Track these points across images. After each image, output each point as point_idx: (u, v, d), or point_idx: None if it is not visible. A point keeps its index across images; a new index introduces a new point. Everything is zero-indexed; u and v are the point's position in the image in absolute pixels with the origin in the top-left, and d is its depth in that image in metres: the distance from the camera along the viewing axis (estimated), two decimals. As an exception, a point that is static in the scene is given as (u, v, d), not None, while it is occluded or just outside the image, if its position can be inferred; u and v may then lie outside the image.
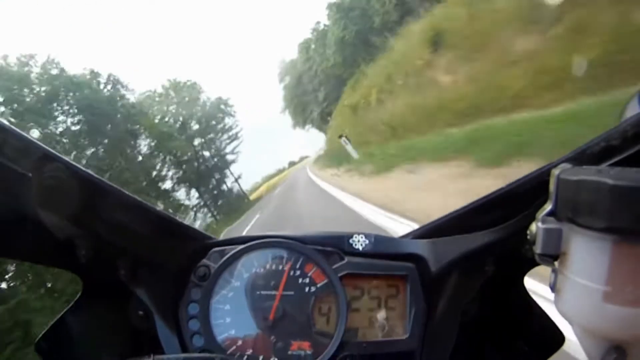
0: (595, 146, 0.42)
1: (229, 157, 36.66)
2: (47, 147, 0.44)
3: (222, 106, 36.30)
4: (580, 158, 0.43)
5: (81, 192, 0.47)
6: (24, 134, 0.42)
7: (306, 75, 32.51)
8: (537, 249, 0.40)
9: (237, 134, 37.19)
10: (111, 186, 0.50)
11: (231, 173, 37.17)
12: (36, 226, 0.48)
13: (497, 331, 0.60)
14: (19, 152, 0.42)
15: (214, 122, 35.42)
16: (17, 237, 0.51)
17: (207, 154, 34.85)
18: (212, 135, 35.29)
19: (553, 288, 0.40)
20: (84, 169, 0.48)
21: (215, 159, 35.47)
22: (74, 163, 0.46)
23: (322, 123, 33.72)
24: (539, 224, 0.41)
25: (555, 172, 0.41)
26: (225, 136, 36.57)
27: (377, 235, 0.62)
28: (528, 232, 0.44)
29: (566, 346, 0.56)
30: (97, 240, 0.51)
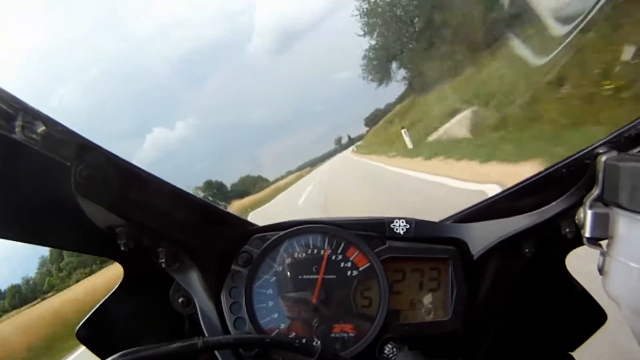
0: (632, 130, 0.42)
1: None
2: (86, 138, 0.44)
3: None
4: (617, 142, 0.43)
5: (120, 181, 0.47)
6: (64, 124, 0.42)
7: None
8: (586, 232, 0.41)
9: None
10: (151, 175, 0.49)
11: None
12: (77, 215, 0.47)
13: (540, 311, 0.60)
14: (57, 141, 0.42)
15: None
16: (58, 226, 0.51)
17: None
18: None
19: (601, 270, 0.40)
20: (123, 158, 0.47)
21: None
22: (113, 153, 0.46)
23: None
24: (587, 209, 0.41)
25: (602, 158, 0.41)
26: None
27: (418, 220, 0.61)
28: (576, 217, 0.45)
29: (609, 325, 0.57)
30: (137, 229, 0.51)
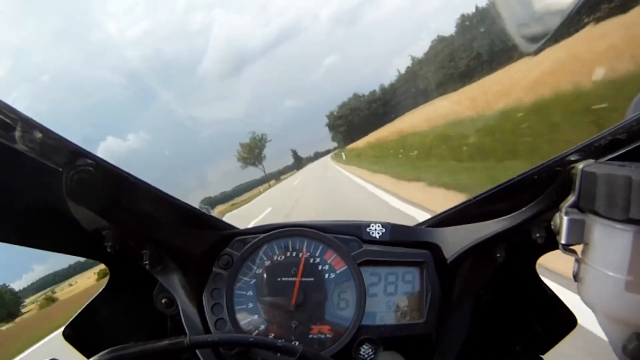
0: (602, 139, 0.43)
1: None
2: (77, 144, 0.45)
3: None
4: (588, 150, 0.44)
5: (108, 186, 0.49)
6: (55, 131, 0.44)
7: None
8: (562, 239, 0.41)
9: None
10: (138, 179, 0.51)
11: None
12: (66, 218, 0.49)
13: (511, 315, 0.62)
14: (51, 148, 0.44)
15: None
16: (48, 228, 0.53)
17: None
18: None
19: (576, 277, 0.41)
20: (112, 163, 0.49)
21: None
22: (102, 158, 0.48)
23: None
24: (563, 215, 0.41)
25: (579, 165, 0.42)
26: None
27: (394, 224, 0.63)
28: (552, 222, 0.45)
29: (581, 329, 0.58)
30: (123, 232, 0.53)
